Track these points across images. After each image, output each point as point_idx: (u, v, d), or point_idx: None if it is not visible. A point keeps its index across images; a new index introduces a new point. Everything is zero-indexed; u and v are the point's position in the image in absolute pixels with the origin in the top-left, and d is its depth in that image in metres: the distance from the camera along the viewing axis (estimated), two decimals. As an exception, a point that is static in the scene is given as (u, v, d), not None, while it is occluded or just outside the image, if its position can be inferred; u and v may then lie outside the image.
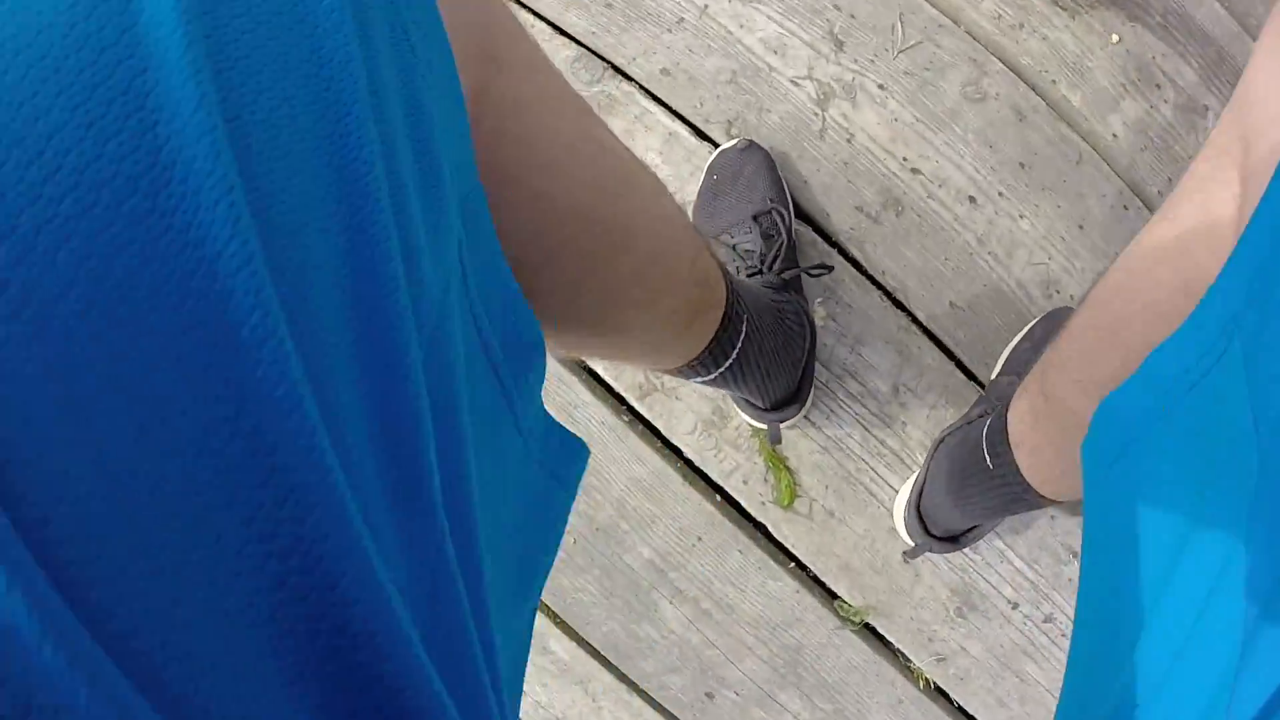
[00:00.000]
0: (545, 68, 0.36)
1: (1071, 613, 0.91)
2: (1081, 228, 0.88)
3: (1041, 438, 0.60)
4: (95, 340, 0.14)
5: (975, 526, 0.80)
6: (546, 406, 0.37)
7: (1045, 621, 0.91)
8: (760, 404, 0.79)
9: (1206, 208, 0.41)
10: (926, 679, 0.92)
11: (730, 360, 0.62)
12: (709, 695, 0.95)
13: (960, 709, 0.93)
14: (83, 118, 0.14)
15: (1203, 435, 0.30)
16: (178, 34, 0.15)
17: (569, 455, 0.39)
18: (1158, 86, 0.90)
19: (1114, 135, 0.88)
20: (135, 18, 0.15)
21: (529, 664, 1.04)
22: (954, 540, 0.82)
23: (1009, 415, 0.65)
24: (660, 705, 0.95)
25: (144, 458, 0.14)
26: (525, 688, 0.97)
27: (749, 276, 0.80)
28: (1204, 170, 0.42)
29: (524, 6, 0.92)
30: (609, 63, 0.91)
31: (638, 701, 0.94)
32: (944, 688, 0.92)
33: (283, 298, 0.16)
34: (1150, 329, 0.45)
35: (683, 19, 0.91)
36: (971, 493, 0.72)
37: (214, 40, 0.16)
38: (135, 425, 0.14)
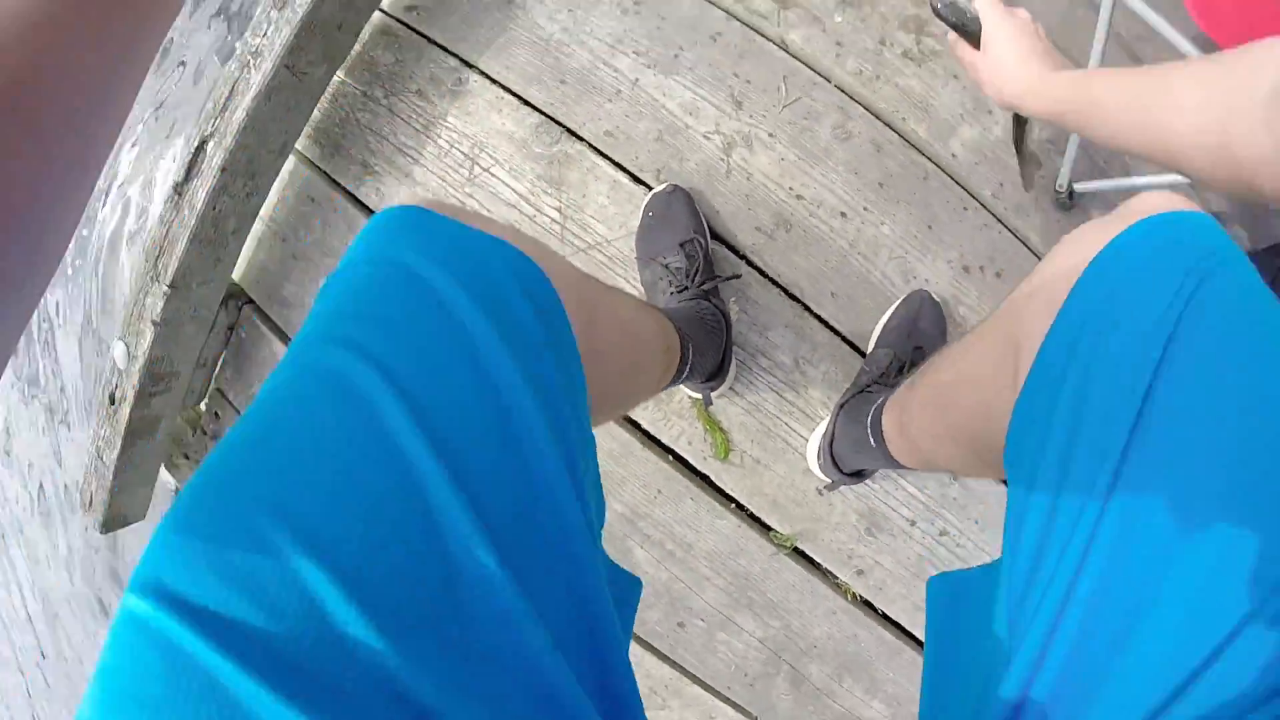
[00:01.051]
0: (609, 308, 0.60)
1: (960, 527, 1.11)
2: (930, 228, 1.09)
3: (906, 446, 0.82)
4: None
5: (874, 465, 1.02)
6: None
7: (941, 535, 1.09)
8: (695, 379, 1.04)
9: (994, 361, 0.55)
10: (853, 592, 1.09)
11: (682, 375, 0.90)
12: (680, 625, 1.12)
13: (884, 616, 1.10)
14: (401, 533, 0.32)
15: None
16: (440, 473, 0.33)
17: (627, 590, 0.54)
18: (989, 112, 1.15)
19: (953, 155, 1.12)
20: (412, 464, 0.33)
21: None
22: (859, 474, 1.05)
23: (883, 419, 0.86)
24: (641, 639, 1.13)
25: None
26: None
27: (678, 291, 1.04)
28: (991, 337, 0.56)
29: (496, 83, 1.19)
30: (565, 127, 1.14)
31: (625, 631, 1.16)
32: (868, 598, 1.10)
33: (526, 589, 0.33)
34: (968, 422, 0.61)
35: (620, 91, 1.16)
36: (864, 453, 0.94)
37: (458, 469, 0.33)
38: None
